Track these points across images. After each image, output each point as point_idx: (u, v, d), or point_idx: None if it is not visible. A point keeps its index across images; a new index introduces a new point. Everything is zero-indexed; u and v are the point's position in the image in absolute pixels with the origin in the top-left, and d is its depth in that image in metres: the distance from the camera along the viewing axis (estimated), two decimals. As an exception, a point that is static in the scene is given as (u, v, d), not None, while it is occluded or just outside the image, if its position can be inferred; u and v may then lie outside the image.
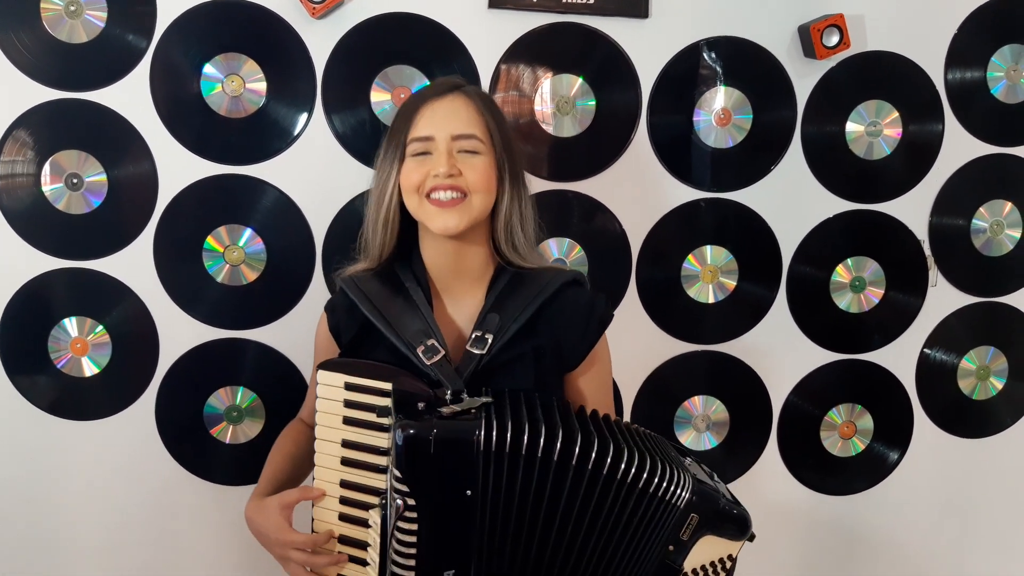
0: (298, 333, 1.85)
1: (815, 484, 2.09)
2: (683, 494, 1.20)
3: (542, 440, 1.17)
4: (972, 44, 1.99)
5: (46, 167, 1.76)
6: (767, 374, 2.03)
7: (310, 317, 1.84)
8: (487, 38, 1.83)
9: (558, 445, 1.17)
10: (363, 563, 1.30)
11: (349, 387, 1.29)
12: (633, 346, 1.97)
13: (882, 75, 1.97)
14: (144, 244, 1.80)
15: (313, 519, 1.34)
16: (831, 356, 2.05)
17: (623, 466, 1.19)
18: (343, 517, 1.31)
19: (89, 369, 1.83)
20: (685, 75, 1.91)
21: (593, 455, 1.18)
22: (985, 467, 2.14)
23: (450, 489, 1.17)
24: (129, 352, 1.83)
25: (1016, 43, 2.01)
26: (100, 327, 1.82)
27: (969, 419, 2.13)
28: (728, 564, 1.23)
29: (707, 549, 1.21)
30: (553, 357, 1.38)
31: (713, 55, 1.91)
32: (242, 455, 1.88)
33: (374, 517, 1.25)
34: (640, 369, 1.99)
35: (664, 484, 1.20)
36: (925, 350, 2.08)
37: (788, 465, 2.07)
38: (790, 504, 2.09)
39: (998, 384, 2.13)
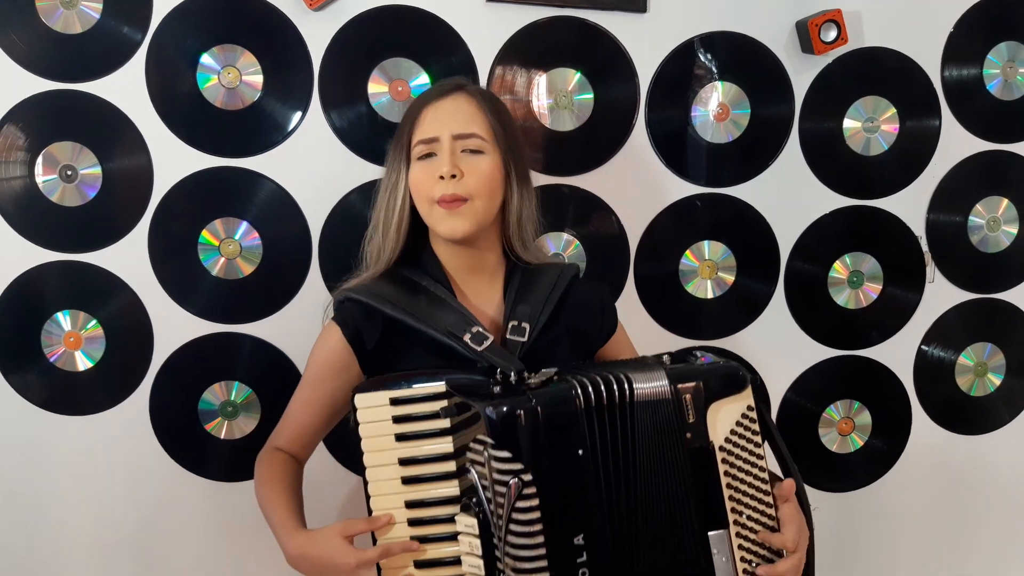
0: (294, 327, 1.84)
1: (813, 481, 2.08)
2: (659, 384, 1.22)
3: (615, 386, 1.21)
4: (968, 41, 2.00)
5: (40, 159, 1.74)
6: (765, 370, 2.02)
7: (306, 311, 1.83)
8: (485, 31, 1.82)
9: (627, 388, 1.21)
10: None
11: (395, 401, 1.25)
12: (631, 341, 1.96)
13: (879, 71, 1.98)
14: (139, 237, 1.79)
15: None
16: (829, 352, 2.05)
17: (634, 389, 1.22)
18: (416, 540, 1.25)
19: (82, 363, 1.81)
20: (683, 70, 1.91)
21: (630, 390, 1.22)
22: (983, 463, 2.14)
23: (563, 454, 1.17)
24: (123, 346, 1.81)
25: (1012, 40, 2.02)
26: (94, 321, 1.80)
27: (967, 415, 2.13)
28: (753, 415, 1.25)
29: (722, 415, 1.24)
30: (580, 341, 1.45)
31: (711, 50, 1.91)
32: (237, 451, 1.86)
33: (465, 521, 1.21)
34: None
35: (640, 386, 1.22)
36: (923, 347, 2.08)
37: (786, 462, 2.06)
38: (788, 501, 2.08)
39: (996, 380, 2.13)
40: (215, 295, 1.83)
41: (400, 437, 1.25)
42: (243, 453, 1.86)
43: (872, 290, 2.05)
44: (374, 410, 1.26)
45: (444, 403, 1.24)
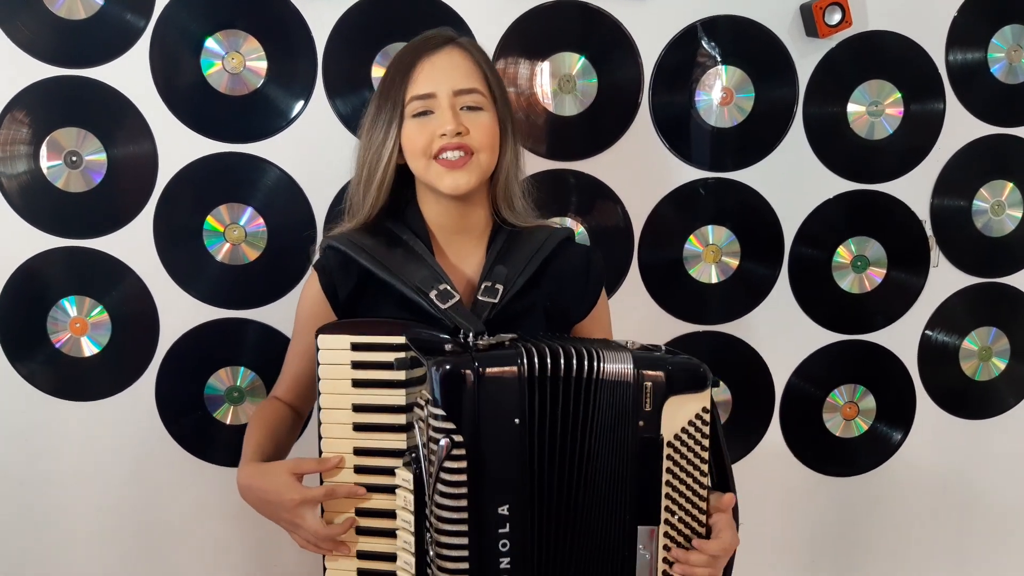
0: (299, 313, 1.84)
1: (817, 465, 2.09)
2: (624, 367, 1.19)
3: (575, 361, 1.18)
4: (973, 24, 1.99)
5: (44, 145, 1.75)
6: (769, 355, 2.03)
7: (311, 297, 1.84)
8: (488, 15, 1.82)
9: (587, 364, 1.19)
10: (388, 534, 1.25)
11: (356, 347, 1.25)
12: (635, 327, 1.96)
13: (884, 55, 1.97)
14: (144, 223, 1.79)
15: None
16: (833, 337, 2.05)
17: (598, 367, 1.19)
18: (362, 487, 1.24)
19: (88, 349, 1.82)
20: (686, 54, 1.91)
21: (590, 365, 1.19)
22: (988, 448, 2.14)
23: (499, 421, 1.16)
24: (129, 332, 1.82)
25: (1017, 23, 2.01)
26: (100, 307, 1.81)
27: (971, 400, 2.13)
28: (706, 417, 1.22)
29: (678, 411, 1.20)
30: (558, 311, 1.40)
31: (714, 34, 1.91)
32: (243, 436, 1.86)
33: (403, 475, 1.20)
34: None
35: (609, 366, 1.20)
36: (927, 331, 2.08)
37: (791, 446, 2.07)
38: (792, 485, 2.08)
39: (1000, 365, 2.13)
40: (220, 281, 1.83)
41: (356, 383, 1.25)
42: (249, 438, 1.87)
43: (876, 274, 2.05)
44: (335, 352, 1.25)
45: (401, 355, 1.23)
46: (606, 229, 1.93)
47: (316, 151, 1.81)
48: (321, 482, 1.27)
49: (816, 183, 1.99)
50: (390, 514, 1.24)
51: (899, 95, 1.99)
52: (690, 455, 1.22)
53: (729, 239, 1.99)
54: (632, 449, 1.20)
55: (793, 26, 1.92)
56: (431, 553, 1.18)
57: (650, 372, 1.19)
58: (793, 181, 1.98)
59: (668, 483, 1.21)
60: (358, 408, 1.26)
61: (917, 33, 1.97)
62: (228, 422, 1.87)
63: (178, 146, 1.78)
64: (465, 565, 1.16)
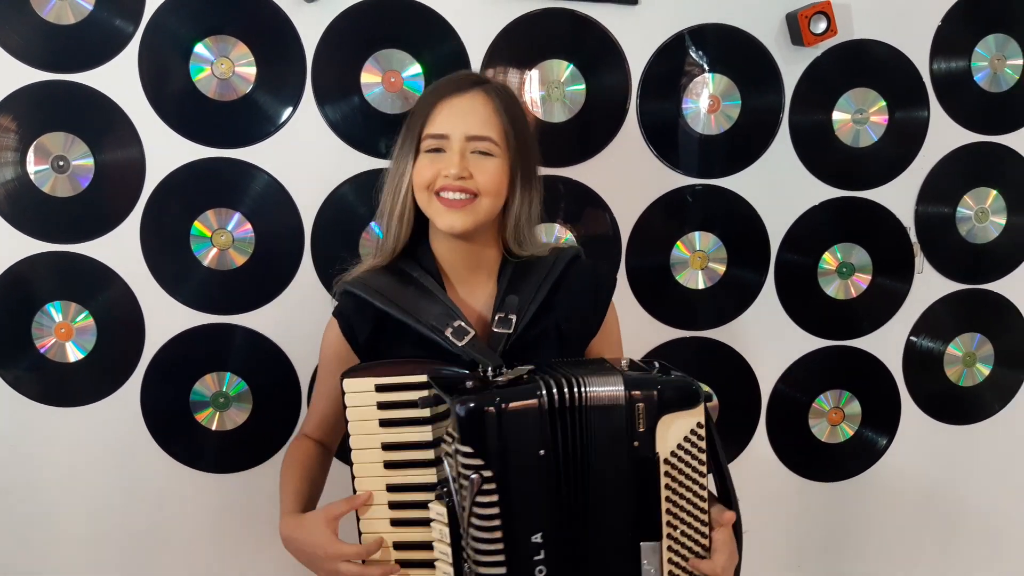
0: (287, 319, 1.84)
1: (803, 471, 2.10)
2: (614, 389, 1.21)
3: (582, 390, 1.20)
4: (957, 33, 2.02)
5: (32, 149, 1.74)
6: (756, 361, 2.04)
7: (299, 302, 1.84)
8: (477, 22, 1.83)
9: (576, 390, 1.21)
10: (427, 565, 1.27)
11: (380, 388, 1.28)
12: (623, 333, 1.95)
13: (869, 63, 1.99)
14: (131, 228, 1.79)
15: (360, 532, 1.31)
16: (819, 343, 2.06)
17: (590, 393, 1.21)
18: (395, 522, 1.29)
19: (74, 355, 1.81)
20: (674, 62, 1.92)
21: (587, 392, 1.21)
22: (973, 453, 2.15)
23: (524, 453, 1.18)
24: (114, 337, 1.81)
25: (1000, 33, 2.04)
26: (85, 312, 1.80)
27: (956, 406, 2.14)
28: (702, 433, 1.24)
29: (672, 429, 1.22)
30: (573, 331, 1.43)
31: (702, 42, 1.92)
32: (229, 442, 1.86)
33: (437, 509, 1.23)
34: (629, 355, 1.98)
35: (600, 392, 1.21)
36: (912, 337, 2.09)
37: (777, 451, 2.08)
38: (779, 491, 2.09)
39: (984, 371, 2.14)
40: (207, 286, 1.83)
41: (384, 423, 1.28)
42: (235, 444, 1.87)
43: (862, 281, 2.06)
44: (360, 395, 1.28)
45: (424, 393, 1.26)
46: (594, 235, 1.94)
47: (304, 157, 1.81)
48: (358, 519, 1.30)
49: (802, 190, 2.01)
50: (426, 546, 1.27)
51: (884, 103, 2.01)
52: (688, 470, 1.24)
53: (716, 245, 2.00)
54: (629, 468, 1.22)
55: (779, 35, 1.94)
56: None
57: (640, 392, 1.21)
58: (779, 188, 1.99)
59: (668, 499, 1.23)
60: (387, 447, 1.28)
61: (902, 42, 1.99)
62: (214, 428, 1.86)
63: (166, 151, 1.77)
64: None
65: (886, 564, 2.16)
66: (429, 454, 1.27)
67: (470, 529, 1.18)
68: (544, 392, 1.19)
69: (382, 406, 1.28)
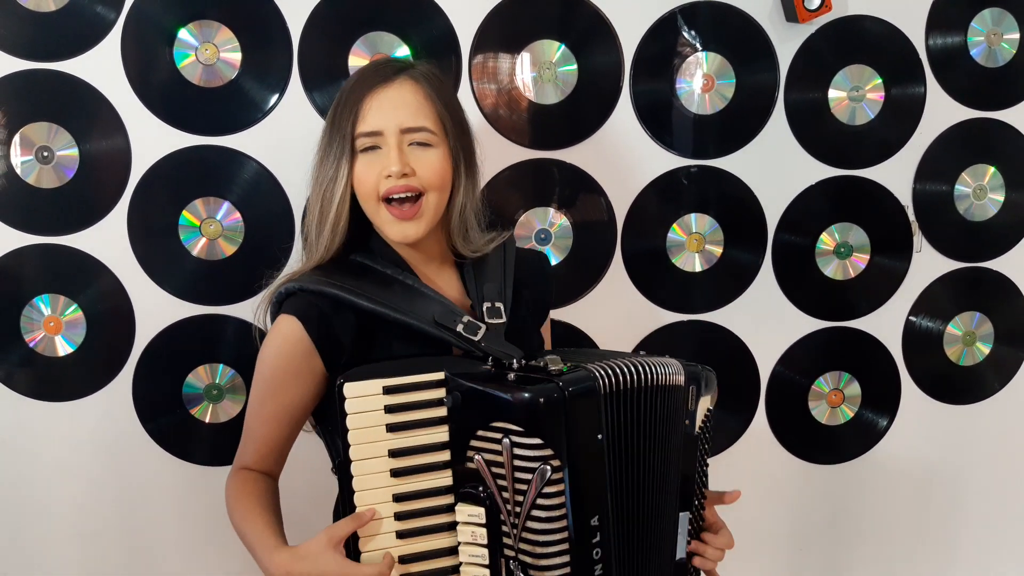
0: (278, 308, 1.81)
1: (804, 453, 2.08)
2: (679, 376, 1.31)
3: (636, 375, 1.25)
4: (952, 8, 1.99)
5: (15, 140, 1.71)
6: (754, 343, 2.02)
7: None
8: (466, 2, 1.80)
9: (655, 376, 1.27)
10: (445, 572, 1.23)
11: (389, 391, 1.20)
12: (619, 317, 1.95)
13: (864, 40, 1.96)
14: (118, 219, 1.76)
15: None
16: (817, 324, 2.04)
17: (661, 375, 1.28)
18: (402, 534, 1.22)
19: (63, 349, 1.78)
20: (666, 41, 1.89)
21: (653, 375, 1.27)
22: (973, 433, 2.14)
23: (586, 439, 1.20)
24: (104, 330, 1.79)
25: (996, 7, 2.01)
26: (74, 305, 1.77)
27: (956, 385, 2.12)
28: (710, 415, 1.39)
29: (701, 410, 1.36)
30: (539, 312, 1.46)
31: (694, 20, 1.89)
32: (222, 435, 1.84)
33: (468, 510, 1.21)
34: (627, 340, 1.96)
35: (675, 376, 1.30)
36: (911, 317, 2.08)
37: (776, 434, 2.06)
38: (779, 474, 2.08)
39: (984, 349, 2.12)
40: (197, 277, 1.80)
41: (392, 427, 1.21)
42: (228, 437, 1.82)
43: (860, 260, 2.04)
44: (365, 399, 1.20)
45: (441, 392, 1.22)
46: (588, 219, 1.92)
47: (293, 143, 1.77)
48: (357, 538, 1.21)
49: (798, 169, 1.98)
50: (443, 553, 1.23)
51: (880, 80, 1.98)
52: (704, 447, 1.39)
53: (712, 227, 1.98)
54: (681, 445, 1.32)
55: (773, 11, 1.91)
56: None
57: (692, 376, 1.33)
58: (775, 168, 1.97)
59: (698, 473, 1.38)
60: (395, 453, 1.22)
61: (897, 17, 1.96)
62: (207, 420, 1.84)
63: (152, 139, 1.74)
64: None
65: (887, 545, 2.15)
66: (445, 455, 1.23)
67: (527, 522, 1.17)
68: (600, 378, 1.21)
69: (390, 409, 1.21)
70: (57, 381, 1.79)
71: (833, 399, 2.08)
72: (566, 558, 1.18)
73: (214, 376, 1.83)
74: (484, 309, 1.33)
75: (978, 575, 2.21)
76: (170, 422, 1.83)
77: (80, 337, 1.78)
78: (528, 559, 1.18)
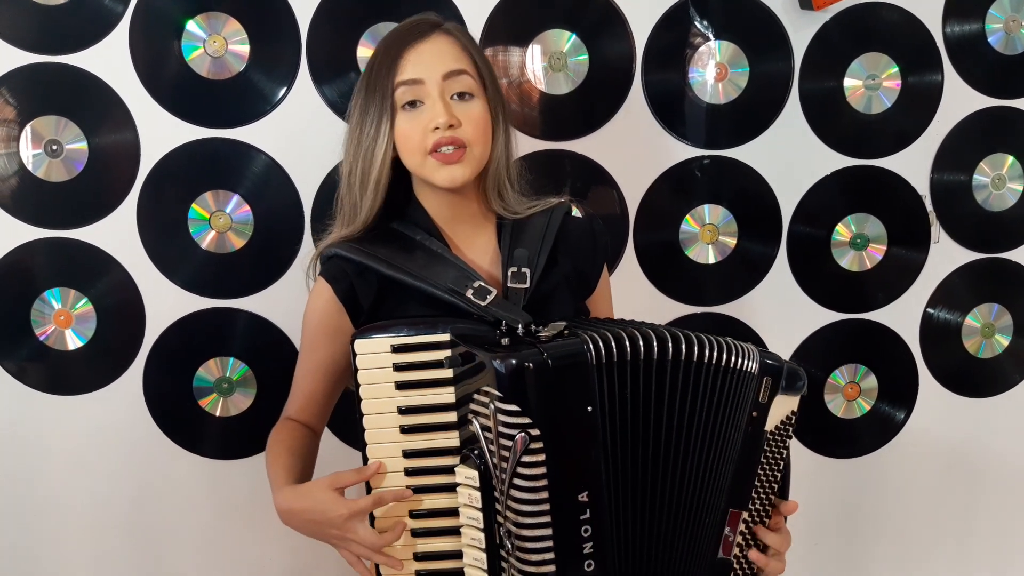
0: (289, 301, 1.80)
1: (820, 447, 2.06)
2: (752, 364, 1.26)
3: (643, 345, 1.19)
4: (970, -6, 1.96)
5: (25, 133, 1.71)
6: (769, 336, 1.99)
7: (300, 284, 1.77)
8: (477, -7, 1.79)
9: (655, 347, 1.20)
10: (448, 532, 1.23)
11: (397, 349, 1.21)
12: (632, 310, 1.90)
13: (880, 27, 1.94)
14: (127, 212, 1.75)
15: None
16: (833, 316, 2.02)
17: (707, 352, 1.23)
18: (412, 489, 1.22)
19: (73, 342, 1.78)
20: (679, 29, 1.87)
21: (683, 349, 1.22)
22: (992, 426, 2.11)
23: (573, 410, 1.16)
24: (115, 324, 1.78)
25: (1015, -7, 1.98)
26: (84, 299, 1.77)
27: (975, 378, 2.10)
28: (792, 419, 1.32)
29: (779, 409, 1.29)
30: (580, 283, 1.40)
31: (706, 8, 1.87)
32: (233, 428, 1.84)
33: (465, 472, 1.18)
34: (639, 332, 1.94)
35: (736, 359, 1.25)
36: (928, 309, 2.05)
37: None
38: (795, 468, 2.03)
39: (1004, 341, 2.09)
40: (207, 270, 1.79)
41: (400, 385, 1.22)
42: (239, 430, 1.84)
43: (876, 252, 2.01)
44: (374, 356, 1.22)
45: (447, 352, 1.21)
46: (601, 210, 1.89)
47: (302, 135, 1.78)
48: (368, 491, 1.23)
49: (813, 159, 1.96)
50: (447, 512, 1.23)
51: (896, 68, 1.95)
52: (775, 450, 1.32)
53: (726, 218, 1.95)
54: (741, 436, 1.26)
55: (787, -1, 1.89)
56: (509, 546, 1.17)
57: (769, 368, 1.27)
58: (790, 158, 1.94)
59: (759, 473, 1.30)
60: (404, 410, 1.22)
61: (913, 4, 1.93)
62: (218, 414, 1.84)
63: (160, 132, 1.74)
64: (550, 555, 1.15)
65: (906, 540, 2.12)
66: (450, 416, 1.22)
67: (511, 490, 1.14)
68: (591, 347, 1.16)
69: (399, 368, 1.21)
70: (67, 375, 1.79)
71: (849, 392, 2.05)
72: (548, 531, 1.15)
73: (225, 369, 1.83)
74: (509, 273, 1.32)
75: (997, 571, 2.18)
76: (180, 416, 1.83)
77: (90, 331, 1.78)
78: (512, 527, 1.15)
